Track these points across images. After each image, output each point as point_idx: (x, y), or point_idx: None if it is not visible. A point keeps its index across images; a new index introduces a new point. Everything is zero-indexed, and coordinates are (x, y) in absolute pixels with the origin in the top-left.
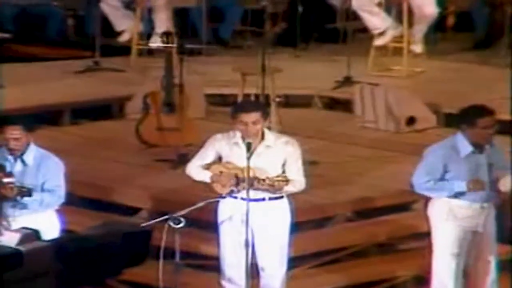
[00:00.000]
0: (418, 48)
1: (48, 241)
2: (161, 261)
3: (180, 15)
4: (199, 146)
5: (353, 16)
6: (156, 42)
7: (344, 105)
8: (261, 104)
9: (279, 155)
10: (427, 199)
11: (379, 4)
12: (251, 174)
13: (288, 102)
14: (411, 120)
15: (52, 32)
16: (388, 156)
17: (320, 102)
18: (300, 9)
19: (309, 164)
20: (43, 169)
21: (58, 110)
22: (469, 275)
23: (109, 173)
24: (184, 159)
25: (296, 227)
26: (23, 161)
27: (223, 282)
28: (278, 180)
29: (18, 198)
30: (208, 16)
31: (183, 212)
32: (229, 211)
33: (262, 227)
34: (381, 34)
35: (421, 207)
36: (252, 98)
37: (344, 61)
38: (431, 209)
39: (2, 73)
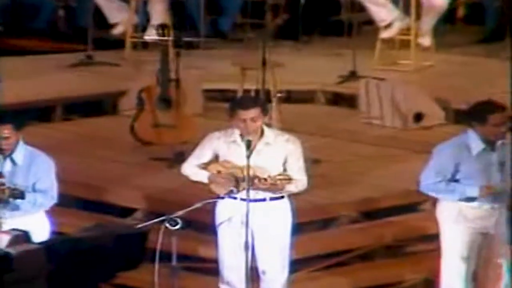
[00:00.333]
0: (426, 41)
1: (39, 243)
2: (157, 264)
3: (177, 7)
4: (196, 144)
5: (359, 7)
6: (151, 35)
7: (349, 101)
8: (260, 100)
9: (279, 153)
10: (435, 200)
11: None
12: (251, 173)
13: (290, 97)
14: (418, 117)
15: (42, 24)
16: (394, 154)
17: (323, 97)
18: (302, 0)
19: (311, 163)
20: (34, 168)
21: (49, 106)
22: (479, 279)
23: (103, 172)
24: (180, 158)
25: (298, 228)
26: (12, 160)
27: (222, 286)
28: (280, 179)
29: (10, 199)
30: (206, 8)
31: (180, 213)
32: (228, 212)
33: (262, 228)
34: (388, 26)
35: (429, 208)
36: (252, 93)
37: (348, 55)
38: (440, 210)
39: None
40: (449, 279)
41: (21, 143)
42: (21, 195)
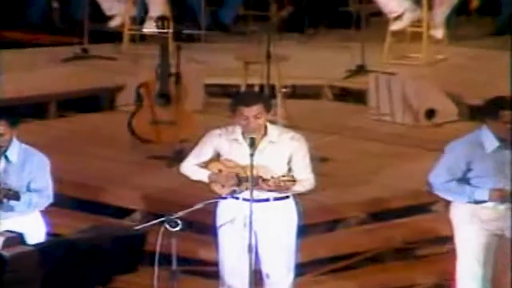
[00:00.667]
0: (439, 33)
1: (34, 245)
2: (156, 267)
3: None
4: (197, 141)
5: None
6: (150, 28)
7: (357, 96)
8: (263, 96)
9: (283, 151)
10: (448, 200)
11: None
12: (254, 173)
13: (295, 93)
14: (430, 113)
15: (36, 16)
16: (405, 153)
17: (330, 93)
18: None
19: (318, 162)
20: (28, 167)
21: (43, 102)
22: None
23: (99, 171)
24: (180, 156)
25: (304, 230)
26: (6, 158)
27: None
28: (284, 180)
29: (5, 200)
30: None
31: (180, 214)
32: (230, 213)
33: (266, 230)
34: (398, 18)
35: (441, 209)
36: (256, 88)
37: (357, 48)
38: (453, 211)
39: None
40: (464, 283)
41: (15, 140)
42: (15, 196)
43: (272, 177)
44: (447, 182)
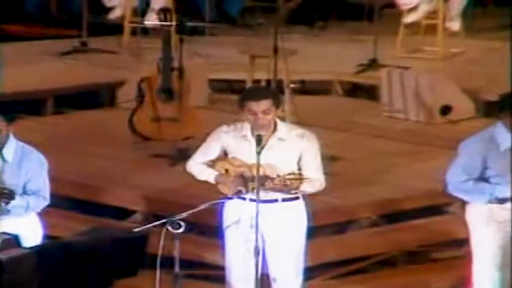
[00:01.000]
0: (455, 25)
1: (30, 248)
2: (158, 271)
3: None
4: (201, 139)
5: None
6: (152, 20)
7: (369, 92)
8: (272, 91)
9: (293, 149)
10: (464, 201)
11: None
12: (261, 172)
13: (304, 88)
14: (446, 109)
15: (32, 8)
16: (419, 151)
17: (340, 88)
18: None
19: (328, 160)
20: (25, 167)
21: (39, 97)
22: None
23: (98, 170)
24: (184, 155)
25: (314, 232)
26: (2, 157)
27: None
28: (290, 179)
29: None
30: None
31: (183, 215)
32: (236, 214)
33: (274, 232)
34: (412, 9)
35: (457, 210)
36: (263, 84)
37: (369, 41)
38: (469, 212)
39: None
40: None
41: (11, 138)
42: (10, 195)
43: (278, 176)
44: (464, 182)
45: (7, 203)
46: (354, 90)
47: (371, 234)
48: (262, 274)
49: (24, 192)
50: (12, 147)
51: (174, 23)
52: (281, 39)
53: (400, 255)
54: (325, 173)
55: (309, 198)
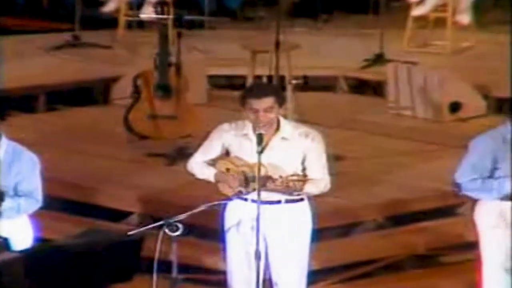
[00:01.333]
0: (464, 18)
1: (20, 251)
2: (154, 275)
3: None
4: (200, 137)
5: None
6: (148, 13)
7: (375, 89)
8: (275, 88)
9: (297, 149)
10: (474, 202)
11: None
12: (263, 172)
13: (307, 85)
14: (455, 106)
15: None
16: (427, 150)
17: (345, 84)
18: None
19: (332, 160)
20: (16, 167)
21: (30, 94)
22: None
23: (93, 170)
24: (182, 154)
25: (318, 234)
26: None
27: None
28: (293, 180)
29: None
30: None
31: (181, 217)
32: (237, 216)
33: (276, 234)
34: (420, 2)
35: (467, 212)
36: (264, 80)
37: (375, 35)
38: (478, 213)
39: None
40: None
41: (2, 136)
42: (0, 197)
43: (281, 177)
44: (472, 180)
45: None
46: (360, 87)
47: (377, 236)
48: (264, 279)
49: (15, 194)
50: (3, 146)
51: (171, 16)
52: (283, 33)
53: (407, 259)
54: (329, 173)
55: (313, 200)
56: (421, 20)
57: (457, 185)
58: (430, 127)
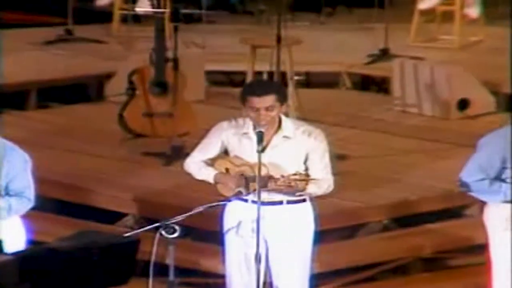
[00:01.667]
0: (473, 11)
1: (12, 254)
2: (150, 279)
3: None
4: (198, 136)
5: None
6: (144, 7)
7: (380, 85)
8: (276, 86)
9: (299, 148)
10: (483, 203)
11: None
12: (264, 172)
13: (309, 81)
14: (463, 104)
15: None
16: (434, 149)
17: (349, 81)
18: None
19: (335, 159)
20: (7, 166)
21: (21, 90)
22: None
23: (86, 170)
24: (179, 153)
25: (321, 236)
26: None
27: None
28: (295, 179)
29: None
30: None
31: (178, 219)
32: (236, 217)
33: (277, 237)
34: None
35: (475, 213)
36: (265, 76)
37: (380, 30)
38: (487, 215)
39: None
40: None
41: None
42: None
43: (282, 176)
44: (479, 181)
45: None
46: (364, 83)
47: (382, 239)
48: (265, 283)
49: (6, 193)
50: None
51: (168, 10)
52: (284, 27)
53: (413, 262)
54: (333, 173)
55: (316, 201)
56: (428, 13)
57: (463, 184)
58: (437, 125)
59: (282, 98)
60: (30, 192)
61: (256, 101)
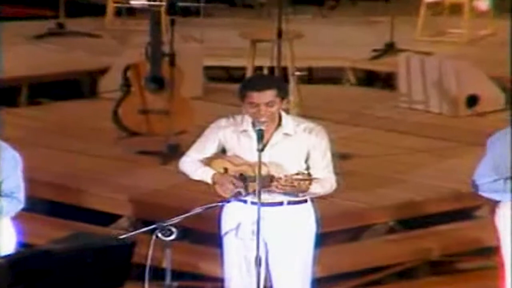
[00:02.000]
0: (483, 4)
1: (4, 257)
2: (146, 283)
3: None
4: (195, 134)
5: None
6: None
7: (385, 81)
8: (277, 81)
9: (300, 146)
10: (493, 204)
11: None
12: (264, 171)
13: (312, 77)
14: (472, 100)
15: None
16: (442, 148)
17: (353, 76)
18: None
19: (338, 158)
20: None
21: (12, 86)
22: None
23: (79, 169)
24: (175, 152)
25: (323, 239)
26: None
27: None
28: (298, 179)
29: None
30: None
31: (175, 220)
32: (235, 219)
33: (278, 239)
34: None
35: (486, 214)
36: (265, 72)
37: (385, 23)
38: (499, 216)
39: None
40: None
41: None
42: None
43: (285, 176)
44: (493, 182)
45: None
46: (368, 79)
47: (388, 241)
48: (265, 286)
49: None
50: None
51: (164, 2)
52: (285, 21)
53: (421, 265)
54: (336, 173)
55: (319, 202)
56: (436, 6)
57: (477, 187)
58: (444, 123)
59: (283, 94)
60: (21, 193)
61: (256, 96)
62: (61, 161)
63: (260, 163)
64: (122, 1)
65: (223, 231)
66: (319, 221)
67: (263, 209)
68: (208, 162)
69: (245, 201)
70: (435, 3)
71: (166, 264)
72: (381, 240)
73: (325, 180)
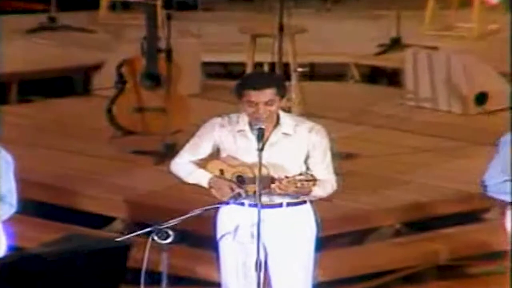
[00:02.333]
0: None
1: None
2: (142, 287)
3: None
4: (193, 133)
5: None
6: None
7: (391, 77)
8: (276, 79)
9: (300, 145)
10: (504, 206)
11: None
12: (265, 172)
13: (315, 73)
14: (482, 97)
15: None
16: (450, 147)
17: (357, 73)
18: None
19: (341, 158)
20: None
21: (1, 83)
22: None
23: (71, 170)
24: (172, 151)
25: (326, 242)
26: None
27: None
28: (302, 180)
29: None
30: None
31: (171, 223)
32: (233, 222)
33: (278, 242)
34: None
35: (496, 217)
36: (266, 68)
37: (391, 17)
38: (509, 219)
39: None
40: None
41: None
42: None
43: (287, 177)
44: (502, 183)
45: None
46: (373, 75)
47: (394, 244)
48: None
49: None
50: None
51: None
52: (287, 15)
53: (428, 270)
54: (339, 173)
55: (320, 203)
56: None
57: (486, 188)
58: (453, 121)
59: (282, 92)
60: (13, 197)
61: (255, 95)
62: (53, 161)
63: (260, 163)
64: None
65: (219, 235)
66: (320, 224)
67: (262, 211)
68: (202, 164)
69: (242, 203)
70: None
71: (162, 268)
72: (387, 243)
73: (326, 181)
